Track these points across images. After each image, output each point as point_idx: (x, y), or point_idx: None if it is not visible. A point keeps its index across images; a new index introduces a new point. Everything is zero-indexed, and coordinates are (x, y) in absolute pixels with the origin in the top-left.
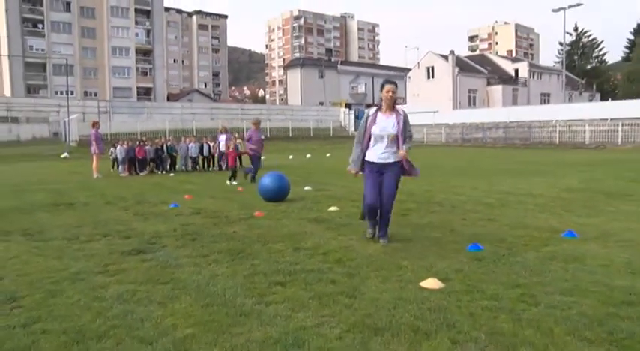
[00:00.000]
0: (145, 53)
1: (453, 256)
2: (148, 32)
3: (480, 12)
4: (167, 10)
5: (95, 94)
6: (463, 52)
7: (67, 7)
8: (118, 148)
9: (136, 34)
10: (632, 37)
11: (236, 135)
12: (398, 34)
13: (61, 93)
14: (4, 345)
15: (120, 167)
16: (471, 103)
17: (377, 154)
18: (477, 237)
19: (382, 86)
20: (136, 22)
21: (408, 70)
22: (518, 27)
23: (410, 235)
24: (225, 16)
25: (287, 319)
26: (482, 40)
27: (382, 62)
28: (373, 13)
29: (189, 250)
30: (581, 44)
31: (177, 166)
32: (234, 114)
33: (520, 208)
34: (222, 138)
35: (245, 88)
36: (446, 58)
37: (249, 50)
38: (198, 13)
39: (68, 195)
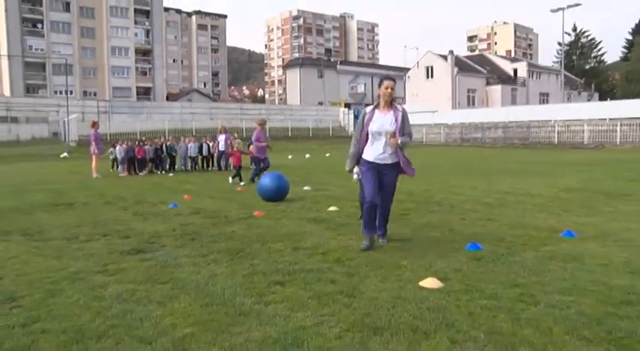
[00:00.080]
0: (144, 53)
1: (452, 255)
2: (148, 32)
3: (479, 12)
4: (166, 10)
5: (94, 94)
6: (462, 52)
7: (67, 7)
8: (118, 147)
9: (136, 34)
10: (630, 37)
11: (235, 135)
12: (397, 33)
13: (61, 93)
14: (3, 345)
15: (119, 167)
16: (470, 102)
17: (375, 154)
18: (476, 237)
19: (380, 82)
20: (136, 22)
21: (407, 69)
22: (517, 27)
23: (409, 234)
24: (225, 16)
25: (286, 318)
26: (481, 40)
27: (381, 62)
28: (372, 12)
29: (189, 250)
30: (579, 44)
31: (176, 166)
32: (233, 114)
33: (519, 207)
34: (222, 138)
35: (244, 88)
36: (445, 58)
37: (249, 50)
38: (198, 13)
39: (67, 195)
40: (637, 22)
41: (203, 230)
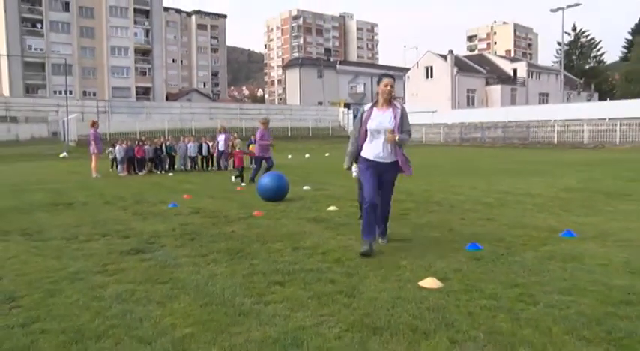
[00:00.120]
0: (143, 53)
1: (451, 255)
2: (147, 32)
3: (479, 12)
4: (166, 9)
5: (94, 94)
6: (462, 51)
7: (66, 7)
8: (117, 147)
9: (135, 34)
10: (630, 37)
11: (235, 134)
12: (397, 33)
13: (60, 93)
14: (3, 345)
15: (119, 167)
16: (470, 102)
17: (374, 152)
18: (475, 236)
19: (380, 79)
20: (135, 22)
21: (407, 69)
22: (516, 27)
23: (409, 234)
24: (224, 16)
25: (286, 318)
26: (480, 40)
27: (381, 62)
28: (372, 12)
29: (188, 250)
30: (579, 44)
31: (176, 166)
32: (233, 114)
33: (519, 207)
34: (221, 138)
35: (244, 87)
36: (444, 57)
37: (248, 50)
38: (197, 12)
39: (67, 195)
40: (636, 22)
41: (203, 230)
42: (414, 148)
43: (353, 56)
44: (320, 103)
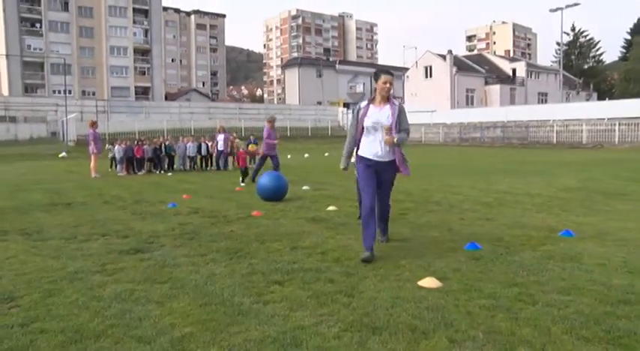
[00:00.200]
0: (142, 53)
1: (450, 255)
2: (146, 32)
3: (478, 12)
4: (165, 9)
5: (93, 94)
6: (461, 51)
7: (65, 7)
8: (117, 147)
9: (134, 34)
10: (629, 37)
11: (234, 134)
12: (396, 33)
13: (59, 92)
14: (2, 344)
15: (118, 166)
16: (469, 102)
17: (371, 150)
18: (474, 236)
19: (378, 76)
20: (134, 22)
21: (406, 69)
22: (515, 27)
23: (408, 234)
24: (223, 16)
25: (285, 318)
26: (480, 40)
27: (380, 62)
28: (371, 12)
29: (187, 250)
30: (578, 44)
31: (175, 166)
32: (232, 113)
33: (518, 207)
34: (220, 137)
35: (243, 87)
36: (444, 57)
37: (247, 50)
38: (197, 12)
39: (66, 194)
40: (635, 21)
41: (202, 230)
42: (413, 147)
43: (352, 56)
44: (319, 103)
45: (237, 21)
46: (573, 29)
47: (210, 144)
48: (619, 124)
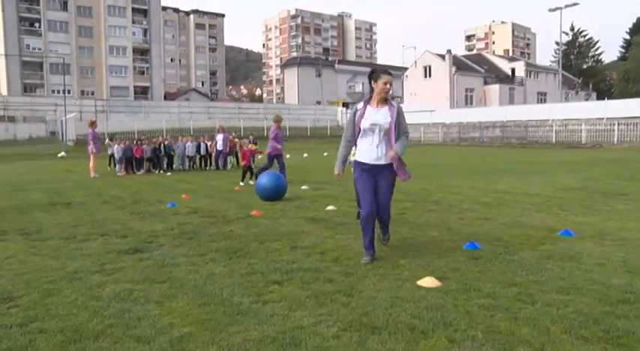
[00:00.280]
0: (142, 52)
1: (449, 254)
2: (145, 31)
3: (477, 11)
4: (164, 9)
5: (92, 93)
6: (460, 51)
7: (64, 6)
8: (116, 147)
9: (133, 33)
10: (628, 37)
11: (233, 134)
12: (395, 33)
13: (58, 92)
14: (1, 344)
15: (117, 166)
16: (468, 102)
17: (369, 154)
18: (473, 236)
19: (378, 76)
20: (133, 21)
21: (405, 69)
22: (515, 26)
23: (407, 234)
24: (223, 15)
25: (284, 318)
26: (479, 40)
27: (379, 61)
28: (370, 12)
29: (187, 249)
30: (577, 44)
31: (174, 166)
32: (231, 113)
33: (517, 207)
34: (220, 137)
35: (242, 87)
36: (443, 57)
37: (247, 49)
38: (196, 12)
39: (65, 194)
40: (635, 21)
41: (201, 229)
42: (412, 147)
43: (351, 56)
44: (318, 103)
45: (236, 21)
46: (572, 29)
47: (209, 144)
48: (618, 124)
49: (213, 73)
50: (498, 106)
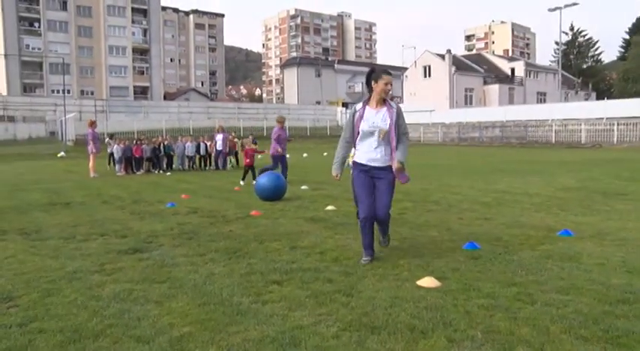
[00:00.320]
0: (141, 52)
1: (449, 254)
2: (145, 31)
3: (477, 11)
4: (164, 9)
5: (92, 93)
6: (460, 51)
7: (64, 6)
8: (115, 146)
9: (133, 33)
10: (627, 37)
11: (233, 133)
12: (395, 33)
13: (58, 92)
14: (0, 344)
15: (116, 166)
16: (468, 102)
17: (367, 155)
18: (473, 236)
19: (378, 76)
20: (133, 21)
21: (405, 69)
22: (514, 26)
23: (406, 234)
24: (222, 15)
25: (284, 317)
26: (478, 40)
27: (379, 61)
28: (370, 12)
29: (186, 249)
30: (577, 43)
31: (173, 165)
32: (231, 113)
33: (516, 207)
34: (219, 137)
35: (242, 87)
36: (442, 57)
37: (246, 49)
38: (195, 12)
39: (64, 194)
40: (634, 21)
41: (200, 229)
42: (411, 147)
43: (351, 55)
44: (318, 103)
45: (236, 21)
46: (572, 29)
47: (209, 144)
48: (617, 124)
49: (212, 73)
50: (498, 106)
